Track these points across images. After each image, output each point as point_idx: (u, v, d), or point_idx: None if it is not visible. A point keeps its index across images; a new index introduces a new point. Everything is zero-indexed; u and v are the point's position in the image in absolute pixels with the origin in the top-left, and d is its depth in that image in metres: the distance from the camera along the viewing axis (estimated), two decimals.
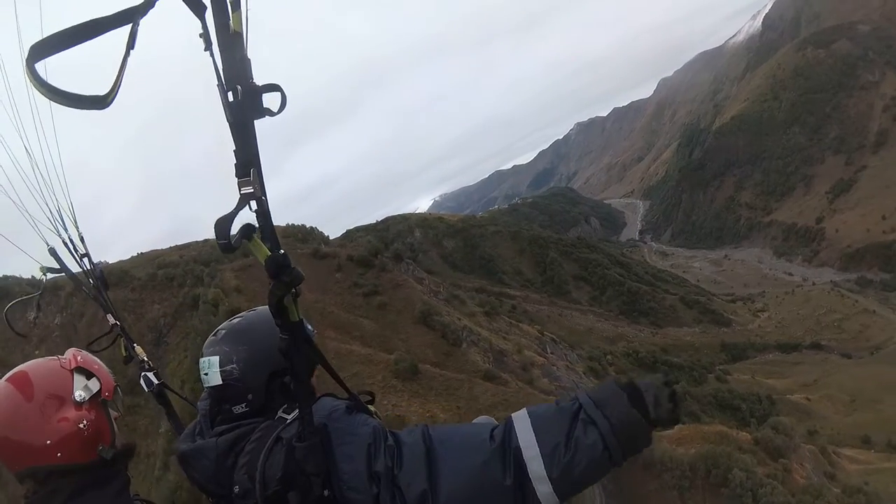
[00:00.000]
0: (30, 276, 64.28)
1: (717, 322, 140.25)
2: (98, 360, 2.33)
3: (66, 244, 3.67)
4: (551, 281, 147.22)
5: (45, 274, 3.82)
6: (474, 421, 2.24)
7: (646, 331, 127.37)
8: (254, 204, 1.50)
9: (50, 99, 1.30)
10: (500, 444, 1.82)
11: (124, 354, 3.50)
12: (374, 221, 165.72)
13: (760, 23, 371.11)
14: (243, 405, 2.24)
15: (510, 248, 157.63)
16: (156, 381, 3.27)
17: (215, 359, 2.26)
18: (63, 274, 3.82)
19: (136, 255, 73.49)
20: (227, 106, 1.42)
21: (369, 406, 2.21)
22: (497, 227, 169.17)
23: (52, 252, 3.69)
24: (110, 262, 68.72)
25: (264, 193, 1.51)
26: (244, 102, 1.42)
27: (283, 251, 1.58)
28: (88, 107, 1.31)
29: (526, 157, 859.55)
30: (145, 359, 3.37)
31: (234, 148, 1.47)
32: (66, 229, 3.61)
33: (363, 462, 1.89)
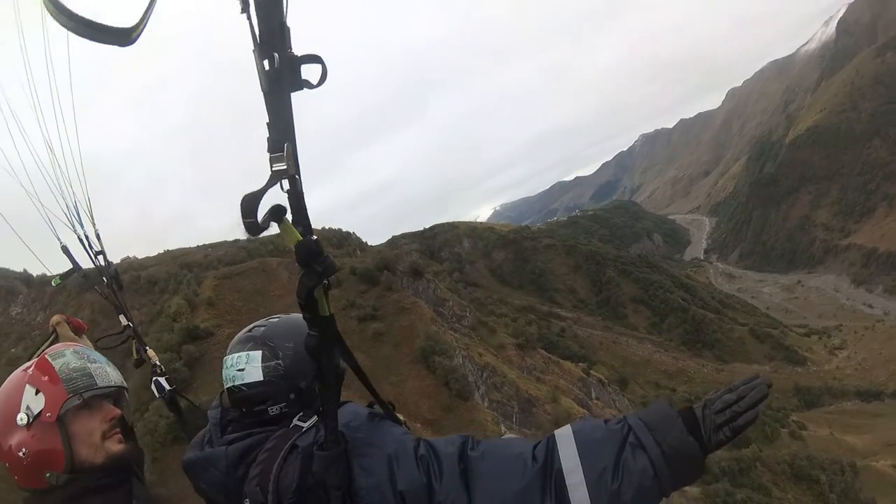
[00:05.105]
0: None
1: (790, 360, 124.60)
2: (56, 366, 1.99)
3: (81, 241, 3.47)
4: (607, 302, 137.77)
5: (58, 284, 3.63)
6: (504, 437, 2.00)
7: (709, 366, 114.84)
8: (286, 183, 1.38)
9: (69, 29, 1.20)
10: (542, 465, 1.64)
11: (136, 357, 3.40)
12: (422, 229, 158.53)
13: (834, 29, 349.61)
14: (283, 405, 2.10)
15: (564, 263, 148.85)
16: (167, 387, 3.16)
17: (256, 353, 2.11)
18: (76, 274, 3.63)
19: (161, 251, 69.50)
20: (263, 74, 1.30)
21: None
22: (551, 240, 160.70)
23: (65, 250, 3.54)
24: (139, 258, 65.01)
25: (298, 172, 1.38)
26: (281, 71, 1.30)
27: (315, 237, 1.46)
28: (111, 41, 1.22)
29: (589, 169, 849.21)
30: (157, 363, 3.28)
31: (267, 121, 1.35)
32: (81, 225, 3.42)
33: (384, 476, 1.76)
